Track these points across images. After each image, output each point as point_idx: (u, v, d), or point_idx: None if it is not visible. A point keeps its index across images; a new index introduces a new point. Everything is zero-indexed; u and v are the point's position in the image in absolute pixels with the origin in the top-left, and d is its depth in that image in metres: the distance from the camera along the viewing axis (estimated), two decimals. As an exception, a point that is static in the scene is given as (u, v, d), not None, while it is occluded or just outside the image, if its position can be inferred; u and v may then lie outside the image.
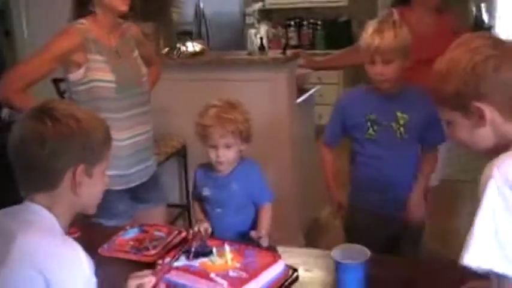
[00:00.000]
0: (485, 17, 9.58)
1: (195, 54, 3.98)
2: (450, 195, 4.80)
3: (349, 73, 6.96)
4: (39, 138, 1.46)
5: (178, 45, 4.04)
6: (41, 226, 1.49)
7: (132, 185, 2.67)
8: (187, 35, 6.65)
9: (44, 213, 1.51)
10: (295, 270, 1.91)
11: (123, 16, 2.68)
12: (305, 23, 7.34)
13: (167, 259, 1.92)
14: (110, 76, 2.50)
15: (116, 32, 2.61)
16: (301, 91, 4.25)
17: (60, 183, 1.51)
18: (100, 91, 2.51)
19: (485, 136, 1.44)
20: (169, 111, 3.82)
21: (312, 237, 4.05)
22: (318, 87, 4.90)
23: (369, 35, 2.40)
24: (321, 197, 4.63)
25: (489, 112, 1.39)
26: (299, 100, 4.08)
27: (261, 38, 3.94)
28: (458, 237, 3.69)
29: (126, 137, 2.59)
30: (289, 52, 3.86)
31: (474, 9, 9.57)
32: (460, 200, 4.88)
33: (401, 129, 2.48)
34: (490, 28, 9.22)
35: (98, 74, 2.49)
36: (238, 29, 6.85)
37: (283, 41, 7.25)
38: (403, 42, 2.39)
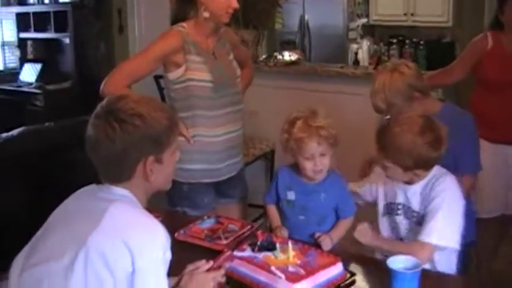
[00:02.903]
0: None
1: (290, 63, 4.10)
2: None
3: (450, 94, 6.89)
4: (109, 139, 1.63)
5: (275, 53, 4.18)
6: (126, 202, 1.67)
7: (220, 179, 2.82)
8: (290, 45, 6.86)
9: (126, 192, 1.70)
10: (353, 274, 2.00)
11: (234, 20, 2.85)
12: (407, 41, 7.30)
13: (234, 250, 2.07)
14: (207, 76, 2.65)
15: (214, 35, 2.76)
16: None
17: (134, 174, 1.69)
18: (197, 90, 2.66)
19: None
20: (261, 115, 3.97)
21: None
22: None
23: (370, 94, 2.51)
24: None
25: None
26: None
27: (356, 53, 4.00)
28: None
29: (220, 133, 2.74)
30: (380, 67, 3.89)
31: None
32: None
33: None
34: None
35: (196, 73, 2.65)
36: (341, 43, 6.96)
37: (382, 57, 7.28)
38: (397, 96, 2.43)
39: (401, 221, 2.26)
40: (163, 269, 1.61)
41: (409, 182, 2.19)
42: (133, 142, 1.64)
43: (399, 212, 2.26)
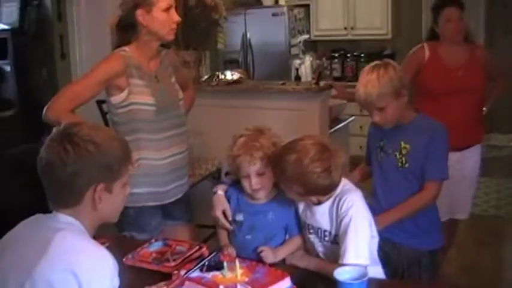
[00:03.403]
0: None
1: (233, 82, 4.14)
2: (481, 230, 4.84)
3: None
4: (61, 162, 1.62)
5: (217, 73, 4.21)
6: (73, 230, 1.65)
7: (167, 201, 2.83)
8: (233, 64, 6.90)
9: (73, 220, 1.68)
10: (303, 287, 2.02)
11: (165, 44, 2.88)
12: (349, 55, 7.46)
13: (182, 271, 2.07)
14: (149, 99, 2.67)
15: (155, 59, 2.78)
16: (335, 121, 4.36)
17: (82, 200, 1.67)
18: (140, 113, 2.68)
19: None
20: (205, 135, 3.98)
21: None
22: (353, 117, 4.98)
23: (357, 88, 2.49)
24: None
25: None
26: (332, 130, 4.20)
27: (297, 69, 4.06)
28: (487, 273, 3.71)
29: (164, 156, 2.76)
30: (322, 83, 3.97)
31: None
32: (492, 236, 4.90)
33: (403, 158, 2.55)
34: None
35: (139, 97, 2.66)
36: (284, 59, 7.02)
37: (326, 72, 7.40)
38: (389, 85, 2.42)
39: (314, 240, 2.29)
40: None
41: (315, 203, 2.22)
42: (84, 167, 1.63)
43: (311, 231, 2.29)
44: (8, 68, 6.18)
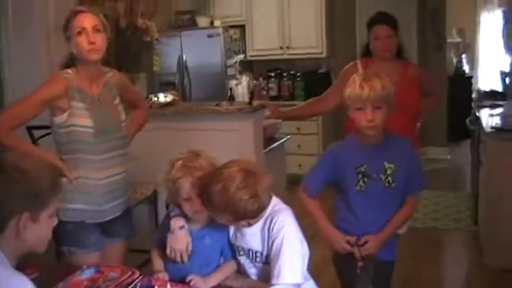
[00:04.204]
0: (465, 67, 9.87)
1: (166, 104, 4.12)
2: (420, 242, 4.92)
3: (328, 124, 7.12)
4: None
5: (150, 95, 4.19)
6: None
7: (105, 219, 2.88)
8: (169, 86, 6.87)
9: None
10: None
11: (106, 64, 2.93)
12: (285, 74, 7.54)
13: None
14: (88, 122, 2.73)
15: (99, 80, 2.85)
16: (271, 140, 4.39)
17: (5, 229, 1.63)
18: (79, 135, 2.73)
19: None
20: (140, 159, 3.93)
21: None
22: (289, 136, 5.01)
23: (357, 85, 2.48)
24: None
25: None
26: (267, 149, 4.21)
27: (231, 89, 4.08)
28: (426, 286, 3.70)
29: (102, 177, 2.81)
30: (255, 103, 3.99)
31: (455, 59, 9.87)
32: (432, 247, 4.99)
33: (389, 178, 2.54)
34: (470, 77, 9.51)
35: (78, 119, 2.72)
36: (220, 80, 7.02)
37: (263, 92, 7.45)
38: (388, 91, 2.49)
39: (244, 261, 2.29)
40: None
41: (245, 226, 2.21)
42: (9, 194, 1.60)
43: (241, 253, 2.29)
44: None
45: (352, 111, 2.53)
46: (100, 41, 2.74)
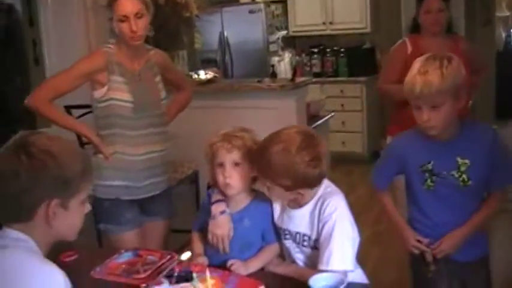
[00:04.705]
0: (515, 42, 9.55)
1: (207, 81, 4.04)
2: None
3: (373, 100, 6.97)
4: (13, 172, 1.51)
5: (191, 73, 4.11)
6: (19, 248, 1.54)
7: (141, 197, 2.85)
8: (211, 63, 6.80)
9: (22, 237, 1.56)
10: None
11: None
12: (328, 50, 7.37)
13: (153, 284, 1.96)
14: (127, 96, 2.72)
15: (141, 57, 2.83)
16: (315, 118, 4.27)
17: (35, 215, 1.56)
18: (117, 109, 2.73)
19: None
20: (181, 138, 3.86)
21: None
22: (333, 113, 4.88)
23: (412, 75, 2.15)
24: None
25: None
26: (311, 127, 4.09)
27: (273, 66, 3.96)
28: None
29: (139, 153, 2.79)
30: (298, 79, 3.88)
31: (504, 34, 9.54)
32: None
33: (464, 176, 2.21)
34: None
35: (117, 93, 2.72)
36: (262, 57, 6.93)
37: (306, 68, 7.31)
38: (451, 82, 2.09)
39: (290, 245, 2.18)
40: None
41: (296, 203, 2.11)
42: (38, 180, 1.52)
43: (287, 236, 2.18)
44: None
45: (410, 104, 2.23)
46: (142, 26, 2.71)
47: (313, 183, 2.02)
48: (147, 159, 2.81)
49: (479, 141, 2.23)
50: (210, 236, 2.22)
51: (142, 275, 2.11)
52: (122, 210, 2.82)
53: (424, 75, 2.10)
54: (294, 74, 3.94)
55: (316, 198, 2.07)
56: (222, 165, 2.15)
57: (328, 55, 7.35)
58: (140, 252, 2.36)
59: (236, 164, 2.14)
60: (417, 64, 2.16)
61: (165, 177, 2.98)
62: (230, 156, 2.13)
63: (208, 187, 2.35)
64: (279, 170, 1.96)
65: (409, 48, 3.30)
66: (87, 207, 1.72)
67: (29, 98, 2.74)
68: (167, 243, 2.98)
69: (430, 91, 2.08)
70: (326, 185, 2.10)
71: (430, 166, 2.25)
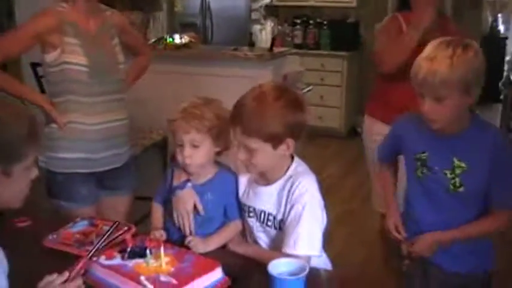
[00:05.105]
0: (501, 27, 9.48)
1: (181, 46, 3.90)
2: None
3: (353, 76, 6.87)
4: None
5: (165, 36, 3.96)
6: None
7: (98, 170, 2.65)
8: (191, 27, 6.63)
9: None
10: (234, 279, 1.79)
11: (110, 3, 2.71)
12: (311, 21, 7.23)
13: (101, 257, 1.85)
14: (83, 60, 2.49)
15: (97, 18, 2.61)
16: (292, 90, 4.16)
17: None
18: (72, 74, 2.50)
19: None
20: (150, 103, 3.74)
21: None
22: (311, 87, 4.76)
23: (420, 59, 1.95)
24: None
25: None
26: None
27: (251, 34, 3.83)
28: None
29: (95, 122, 2.58)
30: (277, 49, 3.76)
31: (490, 18, 9.47)
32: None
33: (457, 180, 2.02)
34: (505, 38, 9.13)
35: (71, 56, 2.49)
36: (244, 24, 6.78)
37: (288, 39, 7.18)
38: (460, 74, 1.87)
39: (253, 224, 2.08)
40: None
41: (268, 178, 2.00)
42: None
43: (251, 214, 2.07)
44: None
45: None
46: None
47: (298, 131, 1.89)
48: (104, 128, 2.61)
49: (482, 146, 2.00)
50: (174, 215, 2.12)
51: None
52: (76, 185, 2.62)
53: (430, 61, 1.88)
54: (272, 44, 3.80)
55: (286, 176, 1.96)
56: (180, 145, 2.05)
57: (310, 27, 7.21)
58: (96, 222, 2.25)
59: (194, 146, 2.03)
60: (428, 47, 1.95)
61: (126, 148, 2.79)
62: (188, 137, 2.02)
63: (172, 159, 2.23)
64: (266, 116, 1.83)
65: (403, 25, 3.09)
66: (34, 173, 1.60)
67: None
68: (128, 219, 2.73)
69: (433, 80, 1.87)
70: (297, 164, 1.99)
71: (423, 156, 2.09)
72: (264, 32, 7.02)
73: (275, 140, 1.86)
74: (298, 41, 7.22)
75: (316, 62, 6.88)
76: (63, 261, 1.84)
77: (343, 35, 6.94)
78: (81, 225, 2.23)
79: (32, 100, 2.57)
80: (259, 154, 1.88)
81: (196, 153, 2.04)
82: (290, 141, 1.88)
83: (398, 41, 2.90)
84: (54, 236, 2.15)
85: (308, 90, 4.60)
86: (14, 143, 1.47)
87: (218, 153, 2.11)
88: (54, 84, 2.57)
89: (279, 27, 7.33)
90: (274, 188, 1.98)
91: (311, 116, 5.79)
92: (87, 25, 2.56)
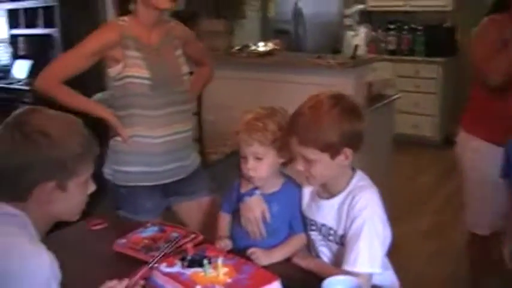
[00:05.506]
0: None
1: (265, 54, 3.90)
2: None
3: (449, 82, 6.65)
4: (6, 152, 1.45)
5: (249, 44, 3.98)
6: (9, 224, 1.46)
7: (163, 181, 2.63)
8: (284, 34, 6.66)
9: (16, 212, 1.49)
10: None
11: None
12: (406, 27, 7.05)
13: (162, 264, 1.87)
14: (145, 73, 2.48)
15: (160, 29, 2.58)
16: (378, 98, 4.07)
17: (30, 196, 1.48)
18: (134, 87, 2.50)
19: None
20: (234, 109, 3.76)
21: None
22: (399, 95, 4.64)
23: None
24: (396, 214, 4.43)
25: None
26: (373, 107, 3.90)
27: (335, 41, 3.78)
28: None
29: (160, 135, 2.56)
30: (361, 56, 3.70)
31: None
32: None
33: None
34: None
35: (133, 70, 2.48)
36: (337, 30, 6.75)
37: (381, 45, 7.05)
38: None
39: (315, 237, 2.03)
40: None
41: (330, 191, 1.96)
42: (31, 162, 1.44)
43: (313, 227, 2.02)
44: (57, 36, 6.17)
45: None
46: None
47: (356, 140, 1.85)
48: (167, 141, 2.57)
49: None
50: (242, 221, 2.12)
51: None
52: (140, 199, 2.61)
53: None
54: (355, 51, 3.73)
55: (347, 190, 1.91)
56: (244, 157, 2.04)
57: (405, 32, 7.03)
58: (165, 228, 2.28)
59: (258, 158, 2.02)
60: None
61: (192, 158, 2.75)
62: (251, 149, 2.01)
63: (240, 168, 2.22)
64: (322, 125, 1.79)
65: (504, 29, 2.77)
66: (91, 187, 1.63)
67: (37, 81, 2.52)
68: (206, 224, 2.66)
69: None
70: (359, 178, 1.94)
71: None
72: (358, 38, 6.93)
73: (332, 150, 1.82)
74: (392, 47, 7.06)
75: (410, 68, 6.71)
76: (130, 265, 1.87)
77: (439, 40, 6.72)
78: (150, 231, 2.27)
79: (97, 114, 2.56)
80: (317, 165, 1.85)
81: (260, 165, 2.03)
82: (348, 151, 1.84)
83: (504, 49, 2.70)
84: (124, 240, 2.20)
85: (396, 98, 4.47)
86: (68, 160, 1.49)
87: (284, 164, 2.08)
88: (117, 98, 2.57)
89: (373, 33, 7.21)
90: (335, 202, 1.93)
91: (405, 124, 5.70)
92: (149, 38, 2.55)
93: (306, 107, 1.85)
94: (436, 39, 6.73)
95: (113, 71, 2.51)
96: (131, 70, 2.47)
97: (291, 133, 1.87)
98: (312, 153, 1.82)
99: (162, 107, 2.54)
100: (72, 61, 2.52)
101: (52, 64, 2.56)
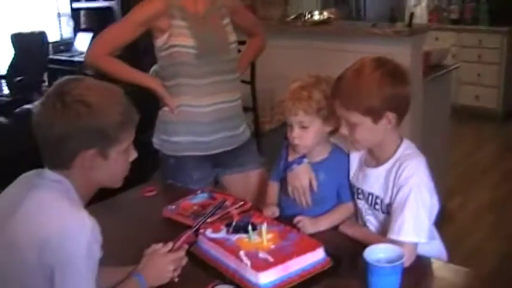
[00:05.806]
0: None
1: (320, 22, 3.85)
2: None
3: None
4: (48, 123, 1.48)
5: (304, 12, 3.94)
6: (54, 189, 1.50)
7: (212, 152, 2.61)
8: (344, 2, 6.57)
9: (61, 179, 1.52)
10: (338, 261, 1.76)
11: None
12: (470, -5, 6.83)
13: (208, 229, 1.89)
14: (190, 42, 2.46)
15: None
16: (436, 68, 3.97)
17: (72, 164, 1.51)
18: (180, 56, 2.48)
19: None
20: (288, 78, 3.74)
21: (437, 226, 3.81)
22: (457, 65, 4.52)
23: None
24: (450, 185, 4.36)
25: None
26: (429, 77, 3.81)
27: (392, 9, 3.71)
28: None
29: (207, 103, 2.54)
30: (415, 25, 3.61)
31: None
32: None
33: None
34: None
35: (179, 39, 2.47)
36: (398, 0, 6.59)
37: (444, 14, 6.85)
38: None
39: (362, 206, 2.00)
40: (86, 266, 1.43)
41: (377, 158, 1.93)
42: (72, 131, 1.47)
43: (360, 196, 2.00)
44: (116, 8, 6.27)
45: None
46: None
47: (400, 105, 1.81)
48: (214, 110, 2.55)
49: None
50: (289, 189, 2.12)
51: (209, 220, 2.03)
52: (188, 169, 2.59)
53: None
54: (411, 19, 3.63)
55: (394, 158, 1.88)
56: (290, 125, 2.04)
57: (468, 0, 6.80)
58: (215, 195, 2.31)
59: (303, 127, 2.01)
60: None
61: (242, 129, 2.71)
62: (296, 118, 2.01)
63: (286, 137, 2.21)
64: (363, 90, 1.77)
65: None
66: (133, 155, 1.65)
67: (86, 56, 2.56)
68: (253, 197, 2.58)
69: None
70: (406, 146, 1.90)
71: None
72: (419, 8, 6.77)
73: (374, 114, 1.79)
74: (454, 16, 6.82)
75: (473, 38, 6.50)
76: (178, 231, 1.88)
77: (504, 9, 6.46)
78: (200, 197, 2.31)
79: (145, 84, 2.57)
80: (360, 128, 1.82)
81: (306, 134, 2.02)
82: (391, 115, 1.80)
83: None
84: (173, 206, 2.24)
85: (454, 68, 4.35)
86: (108, 129, 1.51)
87: (331, 132, 2.06)
88: (164, 68, 2.56)
89: (435, 2, 7.01)
90: (381, 170, 1.90)
91: (466, 95, 5.57)
92: (195, 7, 2.52)
93: (349, 71, 1.83)
94: (501, 7, 6.48)
95: (159, 41, 2.51)
96: (177, 39, 2.46)
97: (334, 97, 1.86)
98: (354, 117, 1.80)
99: (209, 75, 2.52)
100: (119, 32, 2.54)
101: (99, 37, 2.58)
